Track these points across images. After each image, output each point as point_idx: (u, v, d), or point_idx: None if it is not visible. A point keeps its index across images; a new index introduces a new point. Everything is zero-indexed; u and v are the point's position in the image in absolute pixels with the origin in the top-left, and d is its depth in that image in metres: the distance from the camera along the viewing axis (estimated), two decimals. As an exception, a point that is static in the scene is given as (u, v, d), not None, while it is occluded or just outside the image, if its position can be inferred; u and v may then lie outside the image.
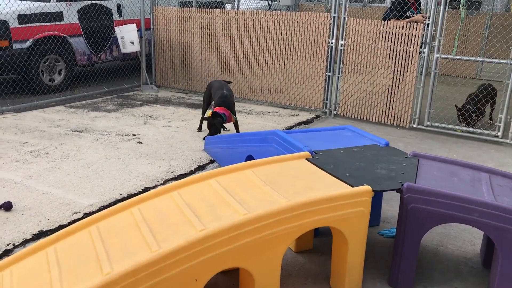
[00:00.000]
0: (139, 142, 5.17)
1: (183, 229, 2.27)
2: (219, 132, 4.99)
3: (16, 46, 6.98)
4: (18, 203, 3.58)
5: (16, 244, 3.01)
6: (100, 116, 6.32)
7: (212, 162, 4.60)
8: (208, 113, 5.16)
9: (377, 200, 3.37)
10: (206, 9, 7.57)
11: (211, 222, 2.27)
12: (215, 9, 7.52)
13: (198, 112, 6.68)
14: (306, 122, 6.28)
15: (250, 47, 7.20)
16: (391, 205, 3.75)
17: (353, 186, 2.61)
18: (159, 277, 2.07)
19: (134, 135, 5.46)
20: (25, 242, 3.03)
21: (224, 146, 4.40)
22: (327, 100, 6.66)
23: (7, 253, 2.90)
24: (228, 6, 10.66)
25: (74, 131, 5.56)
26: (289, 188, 2.61)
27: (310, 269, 2.89)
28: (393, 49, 5.96)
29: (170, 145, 5.12)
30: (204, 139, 5.07)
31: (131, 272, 2.03)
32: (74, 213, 3.45)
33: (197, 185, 2.74)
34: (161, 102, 7.28)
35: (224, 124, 5.18)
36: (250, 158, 3.80)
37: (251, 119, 6.27)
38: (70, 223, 3.28)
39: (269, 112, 6.74)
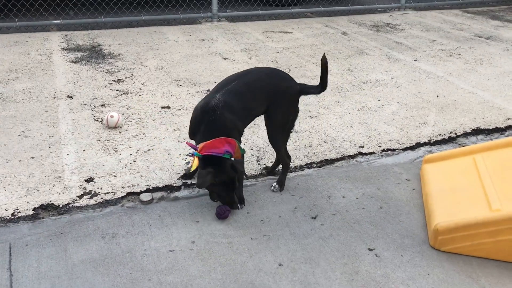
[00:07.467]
0: (558, 60, 4.60)
1: None
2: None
3: None
4: (447, 96, 3.72)
5: (458, 134, 3.14)
6: (502, 25, 5.89)
7: None
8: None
9: None
10: None
11: None
12: None
13: None
14: None
15: None
16: None
17: None
18: None
19: (549, 51, 4.89)
20: (465, 134, 3.14)
21: None
22: None
23: (422, 145, 3.04)
24: None
25: (479, 37, 5.35)
26: None
27: None
28: None
29: None
30: None
31: None
32: (508, 119, 3.36)
33: None
34: None
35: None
36: None
37: None
38: (506, 128, 3.23)
39: None
